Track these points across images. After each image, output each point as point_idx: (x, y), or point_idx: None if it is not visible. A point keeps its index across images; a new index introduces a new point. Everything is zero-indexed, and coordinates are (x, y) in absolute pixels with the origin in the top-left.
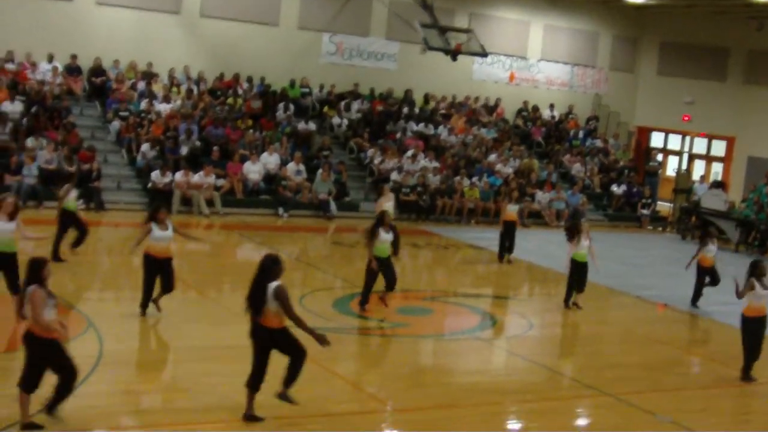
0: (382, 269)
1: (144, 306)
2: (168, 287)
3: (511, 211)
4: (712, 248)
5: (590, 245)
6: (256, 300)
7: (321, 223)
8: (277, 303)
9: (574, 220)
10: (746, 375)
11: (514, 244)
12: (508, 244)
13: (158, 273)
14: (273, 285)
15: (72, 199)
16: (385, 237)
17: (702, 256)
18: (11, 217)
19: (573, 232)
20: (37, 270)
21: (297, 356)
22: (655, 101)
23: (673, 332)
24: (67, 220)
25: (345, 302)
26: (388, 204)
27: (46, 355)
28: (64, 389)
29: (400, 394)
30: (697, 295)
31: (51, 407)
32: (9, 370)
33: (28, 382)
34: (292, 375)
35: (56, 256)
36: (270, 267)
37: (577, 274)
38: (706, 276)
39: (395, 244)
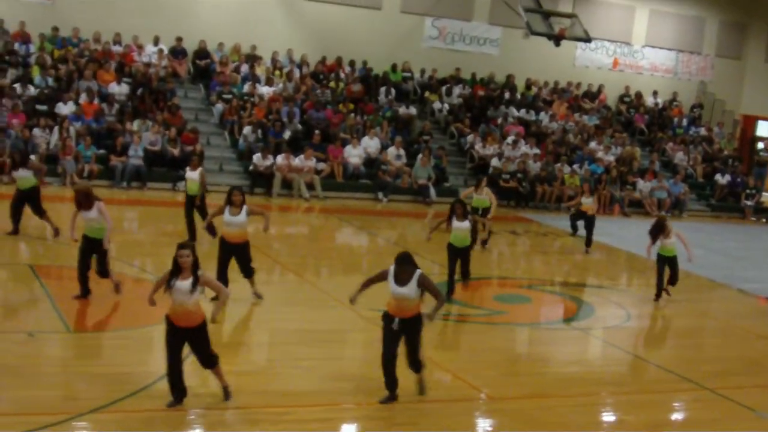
0: (453, 257)
1: None
2: (245, 272)
3: (587, 204)
4: None
5: (678, 239)
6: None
7: (420, 209)
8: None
9: (659, 220)
10: None
11: (591, 238)
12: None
13: (231, 257)
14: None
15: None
16: (458, 225)
17: None
18: (90, 206)
19: (656, 234)
20: (175, 256)
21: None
22: (762, 89)
23: None
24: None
25: (442, 288)
26: (479, 197)
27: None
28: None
29: (495, 382)
30: None
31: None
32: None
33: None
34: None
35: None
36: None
37: (669, 268)
38: None
39: (473, 235)
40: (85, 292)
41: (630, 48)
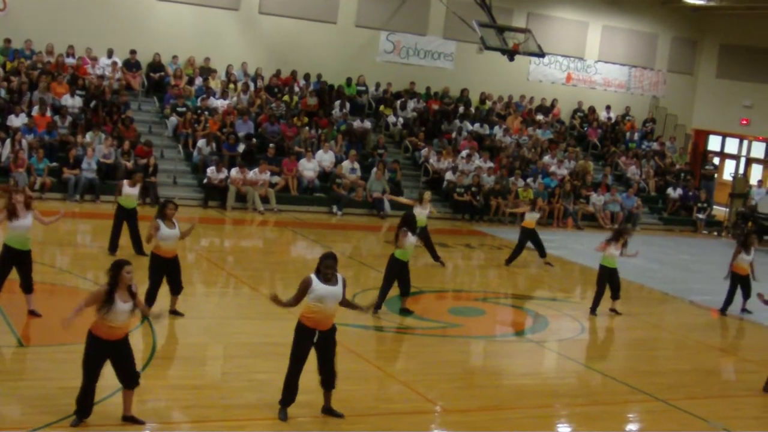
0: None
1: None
2: (178, 288)
3: (531, 218)
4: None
5: (624, 252)
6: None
7: (374, 222)
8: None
9: (626, 226)
10: None
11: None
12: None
13: (165, 273)
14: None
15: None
16: (412, 240)
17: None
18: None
19: (618, 237)
20: (115, 271)
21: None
22: (713, 104)
23: (726, 338)
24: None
25: (396, 301)
26: (421, 211)
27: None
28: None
29: (450, 395)
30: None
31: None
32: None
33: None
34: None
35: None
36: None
37: (609, 281)
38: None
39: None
40: None
41: (583, 63)
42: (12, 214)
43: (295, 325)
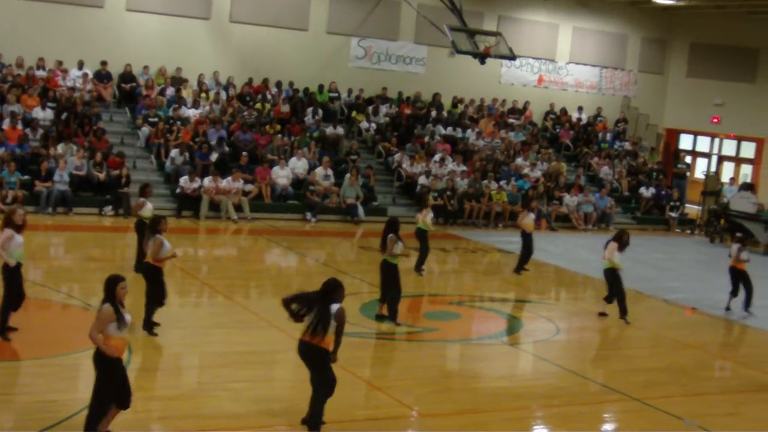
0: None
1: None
2: (163, 299)
3: (528, 221)
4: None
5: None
6: (323, 321)
7: (349, 228)
8: (335, 325)
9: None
10: None
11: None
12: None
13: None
14: (336, 307)
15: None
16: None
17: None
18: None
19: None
20: (111, 287)
21: (322, 388)
22: (684, 103)
23: (701, 336)
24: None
25: (372, 307)
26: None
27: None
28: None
29: (427, 399)
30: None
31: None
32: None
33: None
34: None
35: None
36: (334, 289)
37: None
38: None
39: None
40: None
41: (554, 65)
42: (21, 228)
43: (269, 333)
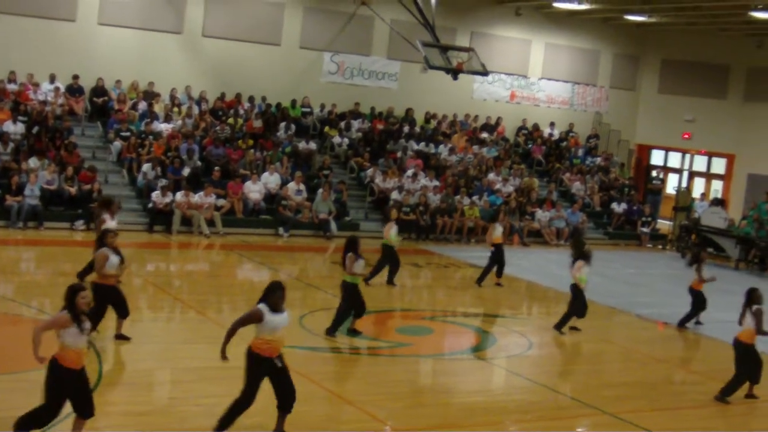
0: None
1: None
2: (123, 312)
3: (498, 234)
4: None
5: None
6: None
7: (321, 243)
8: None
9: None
10: (749, 393)
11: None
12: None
13: (112, 301)
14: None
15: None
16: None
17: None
18: None
19: (586, 257)
20: (71, 296)
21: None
22: (655, 119)
23: (672, 351)
24: None
25: (346, 322)
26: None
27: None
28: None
29: (400, 414)
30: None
31: None
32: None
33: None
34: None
35: None
36: (266, 291)
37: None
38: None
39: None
40: None
41: (527, 81)
42: None
43: (240, 349)
